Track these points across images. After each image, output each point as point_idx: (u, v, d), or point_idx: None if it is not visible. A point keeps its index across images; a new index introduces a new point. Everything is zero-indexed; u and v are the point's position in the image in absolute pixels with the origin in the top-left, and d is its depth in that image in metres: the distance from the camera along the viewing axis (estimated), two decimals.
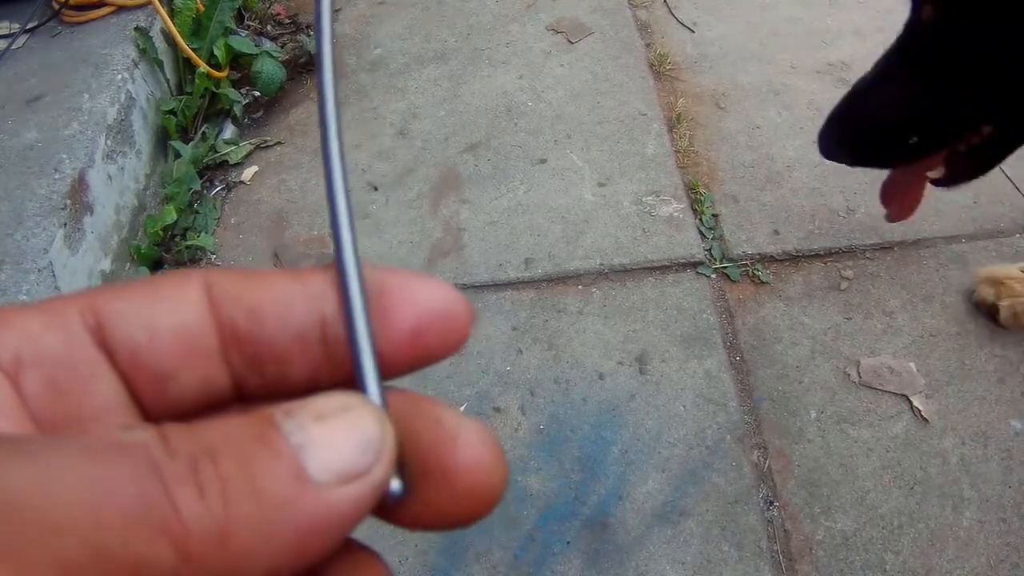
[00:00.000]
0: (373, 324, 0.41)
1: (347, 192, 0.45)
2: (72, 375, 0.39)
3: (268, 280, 0.42)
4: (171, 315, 0.41)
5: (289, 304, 0.42)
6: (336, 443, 0.36)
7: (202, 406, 0.43)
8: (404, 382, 0.42)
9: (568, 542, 2.57)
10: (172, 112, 3.80)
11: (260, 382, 0.43)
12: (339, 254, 0.43)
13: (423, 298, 0.43)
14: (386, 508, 0.39)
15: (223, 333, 0.41)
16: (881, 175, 2.85)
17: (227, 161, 3.87)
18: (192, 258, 3.46)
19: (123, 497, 0.31)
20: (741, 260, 3.30)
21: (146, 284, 0.42)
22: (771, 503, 2.63)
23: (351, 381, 0.41)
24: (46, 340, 0.39)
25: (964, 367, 2.93)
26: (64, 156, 3.14)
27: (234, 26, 4.22)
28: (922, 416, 2.79)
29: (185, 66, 4.00)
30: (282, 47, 4.43)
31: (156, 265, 3.44)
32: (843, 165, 2.79)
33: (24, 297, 2.75)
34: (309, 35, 4.49)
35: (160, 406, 0.41)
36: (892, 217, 2.87)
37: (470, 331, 0.44)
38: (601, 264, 3.30)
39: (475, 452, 0.40)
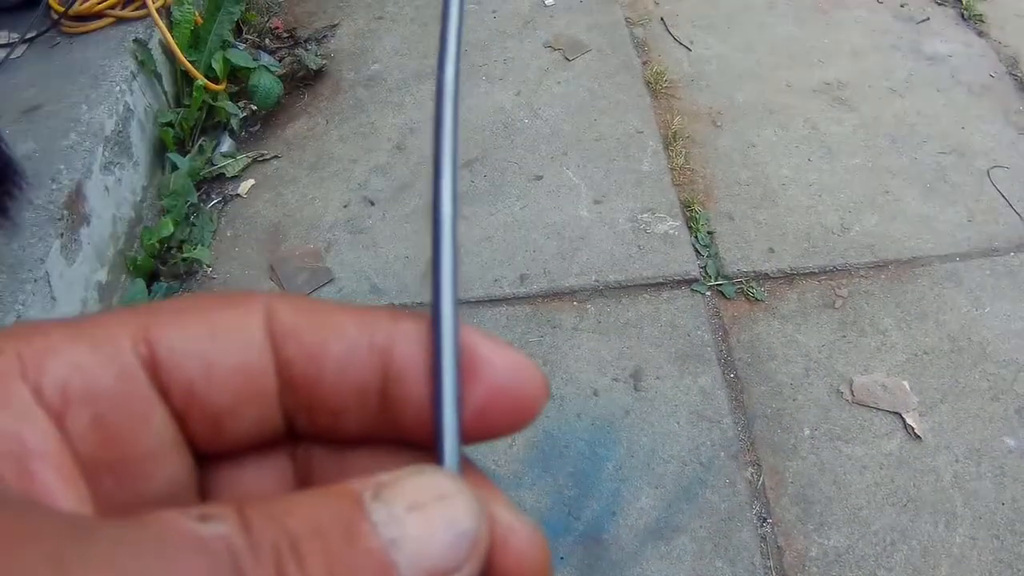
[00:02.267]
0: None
1: (455, 263, 0.42)
2: (123, 414, 0.37)
3: (333, 321, 0.40)
4: (231, 352, 0.39)
5: (352, 354, 0.40)
6: (430, 539, 0.33)
7: (254, 444, 0.41)
8: None
9: (562, 558, 2.57)
10: (170, 124, 3.80)
11: (311, 427, 0.41)
12: (436, 318, 0.40)
13: (501, 372, 0.41)
14: None
15: (281, 374, 0.39)
16: (874, 194, 2.85)
17: (224, 174, 3.87)
18: (188, 271, 3.46)
19: None
20: (736, 278, 3.30)
21: (204, 309, 0.39)
22: (764, 520, 2.63)
23: (408, 438, 0.41)
24: (97, 375, 0.36)
25: (958, 385, 2.94)
26: (62, 167, 3.14)
27: (232, 39, 4.23)
28: (915, 433, 2.80)
29: (183, 79, 4.00)
30: (280, 61, 4.43)
31: (152, 277, 3.44)
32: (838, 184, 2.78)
33: (20, 307, 2.74)
34: (307, 49, 4.50)
35: (212, 444, 0.40)
36: None
37: (541, 408, 0.42)
38: (596, 280, 3.30)
39: (522, 559, 0.38)
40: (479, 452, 2.84)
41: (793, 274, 3.32)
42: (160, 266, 3.47)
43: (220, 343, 0.38)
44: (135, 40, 3.76)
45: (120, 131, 3.47)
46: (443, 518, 0.34)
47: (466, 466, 0.40)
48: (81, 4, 3.78)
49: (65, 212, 3.02)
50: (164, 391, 0.38)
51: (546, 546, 0.40)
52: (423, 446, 0.40)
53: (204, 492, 0.41)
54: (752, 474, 2.74)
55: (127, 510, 0.35)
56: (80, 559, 0.28)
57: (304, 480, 0.43)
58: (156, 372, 0.37)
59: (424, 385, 0.40)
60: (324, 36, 4.71)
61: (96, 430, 0.36)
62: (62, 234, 2.98)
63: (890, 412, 2.87)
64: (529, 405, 0.41)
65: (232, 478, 0.42)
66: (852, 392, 2.93)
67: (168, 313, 0.39)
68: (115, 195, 3.37)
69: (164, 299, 0.41)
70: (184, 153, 3.84)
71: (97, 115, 3.38)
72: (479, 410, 0.40)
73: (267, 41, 4.62)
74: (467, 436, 0.40)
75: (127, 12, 3.86)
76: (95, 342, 0.37)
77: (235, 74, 4.19)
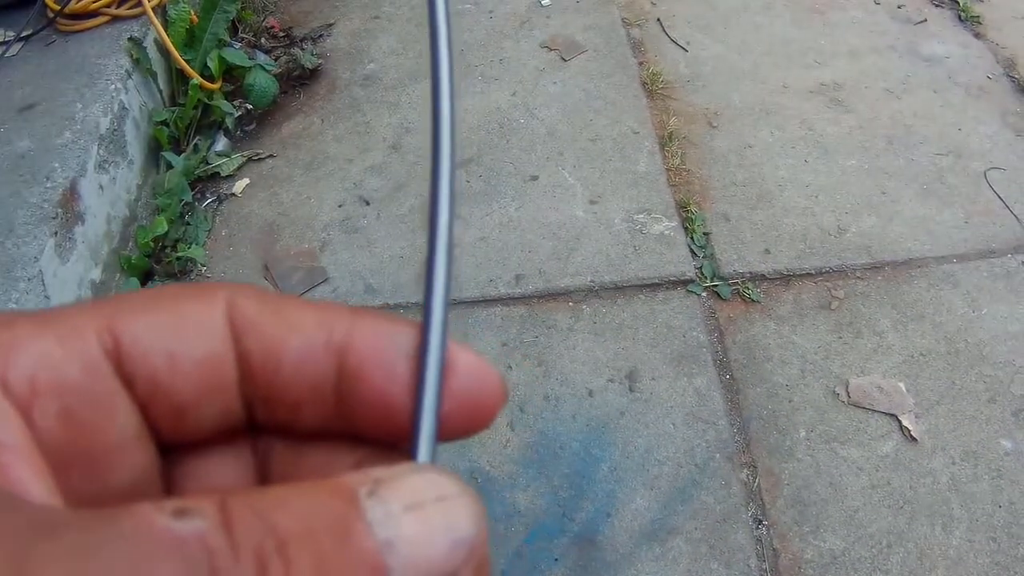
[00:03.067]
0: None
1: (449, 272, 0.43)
2: (89, 406, 0.37)
3: (293, 316, 0.40)
4: (194, 343, 0.39)
5: (309, 349, 0.40)
6: (427, 542, 0.32)
7: (217, 435, 0.41)
8: None
9: (556, 559, 2.57)
10: (165, 123, 3.80)
11: (270, 419, 0.41)
12: (427, 327, 0.40)
13: (463, 376, 0.41)
14: None
15: (240, 366, 0.40)
16: (871, 195, 2.85)
17: (219, 173, 3.86)
18: (183, 269, 3.45)
19: None
20: (732, 278, 3.30)
21: (168, 300, 0.39)
22: (760, 522, 2.62)
23: (362, 433, 0.40)
24: (63, 367, 0.36)
25: (954, 387, 2.94)
26: (56, 165, 3.14)
27: (228, 38, 4.23)
28: (911, 436, 2.79)
29: (178, 77, 4.00)
30: (276, 60, 4.42)
31: (146, 276, 3.43)
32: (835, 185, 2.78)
33: (13, 305, 2.73)
34: (303, 48, 4.49)
35: (176, 435, 0.40)
36: None
37: (499, 411, 0.42)
38: (592, 281, 3.30)
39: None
40: (474, 454, 2.84)
41: (789, 275, 3.31)
42: (154, 265, 3.46)
43: (184, 334, 0.38)
44: (130, 38, 3.76)
45: (115, 129, 3.46)
46: (442, 521, 0.33)
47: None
48: (77, 2, 3.77)
49: (59, 210, 3.02)
50: (128, 382, 0.38)
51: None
52: (376, 441, 0.41)
53: (168, 483, 0.41)
54: (747, 476, 2.73)
55: (95, 503, 0.36)
56: (41, 558, 0.27)
57: (263, 472, 0.43)
58: (121, 363, 0.37)
59: (379, 382, 0.40)
60: (320, 35, 4.71)
61: (63, 423, 0.36)
62: (56, 232, 2.97)
63: (886, 414, 2.87)
64: (488, 408, 0.42)
65: (196, 469, 0.42)
66: (848, 394, 2.92)
67: (133, 304, 0.39)
68: (109, 193, 3.36)
69: (131, 292, 0.40)
70: (179, 152, 3.84)
71: (92, 113, 3.37)
72: (444, 410, 0.40)
73: (263, 40, 4.61)
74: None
75: (123, 10, 3.85)
76: (61, 334, 0.37)
77: (231, 73, 4.18)
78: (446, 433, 0.40)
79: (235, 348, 0.39)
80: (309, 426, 0.41)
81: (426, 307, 0.41)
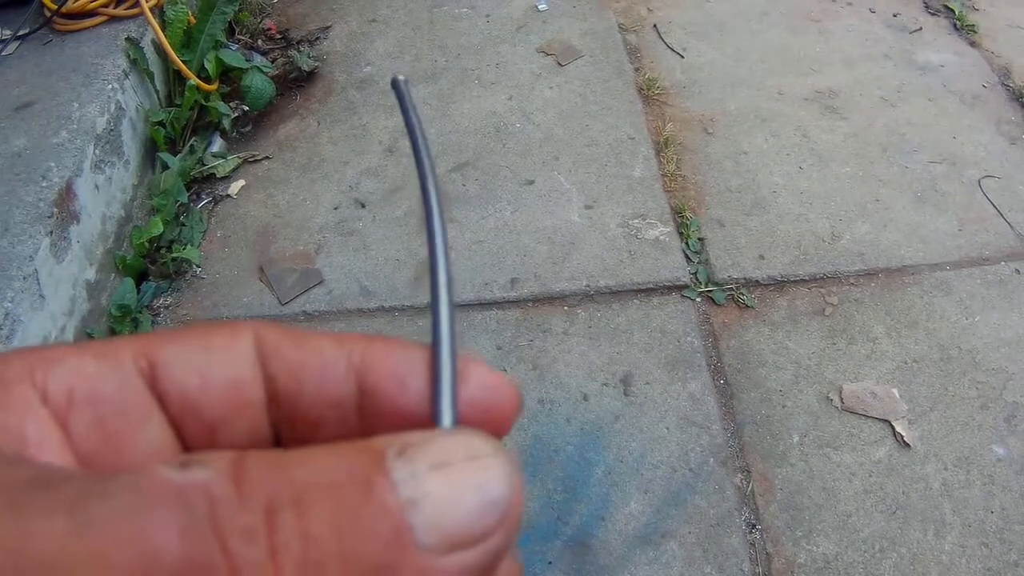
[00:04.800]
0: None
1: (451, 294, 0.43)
2: (122, 418, 0.38)
3: (312, 341, 0.42)
4: (224, 366, 0.40)
5: (328, 369, 0.41)
6: (454, 501, 0.31)
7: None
8: None
9: (550, 562, 2.57)
10: (161, 123, 3.79)
11: (294, 437, 0.42)
12: (436, 344, 0.41)
13: (479, 384, 0.41)
14: None
15: (267, 387, 0.41)
16: (865, 202, 2.85)
17: (214, 174, 3.86)
18: (177, 270, 3.45)
19: (168, 559, 0.28)
20: (726, 284, 3.30)
21: (198, 332, 0.41)
22: (753, 526, 2.63)
23: None
24: (99, 381, 0.38)
25: (947, 393, 2.94)
26: (52, 164, 3.14)
27: (225, 40, 4.22)
28: (904, 441, 2.80)
29: (175, 78, 4.00)
30: (272, 62, 4.43)
31: (141, 277, 3.43)
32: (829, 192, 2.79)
33: (8, 304, 2.73)
34: (300, 51, 4.49)
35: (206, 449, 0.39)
36: None
37: (514, 423, 0.43)
38: (587, 285, 3.30)
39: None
40: None
41: (783, 281, 3.32)
42: (149, 266, 3.46)
43: (214, 358, 0.40)
44: (128, 38, 3.76)
45: (111, 130, 3.46)
46: (472, 480, 0.32)
47: None
48: (74, 2, 3.77)
49: (55, 210, 3.01)
50: (162, 399, 0.39)
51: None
52: None
53: None
54: (741, 480, 2.74)
55: None
56: (41, 505, 0.28)
57: None
58: (155, 382, 0.39)
59: (395, 394, 0.40)
60: (317, 38, 4.71)
61: (97, 431, 0.38)
62: (51, 232, 2.97)
63: (879, 420, 2.88)
64: (504, 416, 0.42)
65: None
66: (842, 399, 2.93)
67: (166, 335, 0.41)
68: (105, 194, 3.36)
69: (164, 328, 0.42)
70: (175, 153, 3.84)
71: (88, 113, 3.37)
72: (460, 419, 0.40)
73: (260, 42, 4.61)
74: None
75: (120, 10, 3.85)
76: (99, 355, 0.39)
77: (227, 74, 4.18)
78: None
79: (262, 371, 0.41)
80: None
81: (434, 312, 0.42)
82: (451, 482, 0.32)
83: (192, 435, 0.40)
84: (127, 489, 0.29)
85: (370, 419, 0.40)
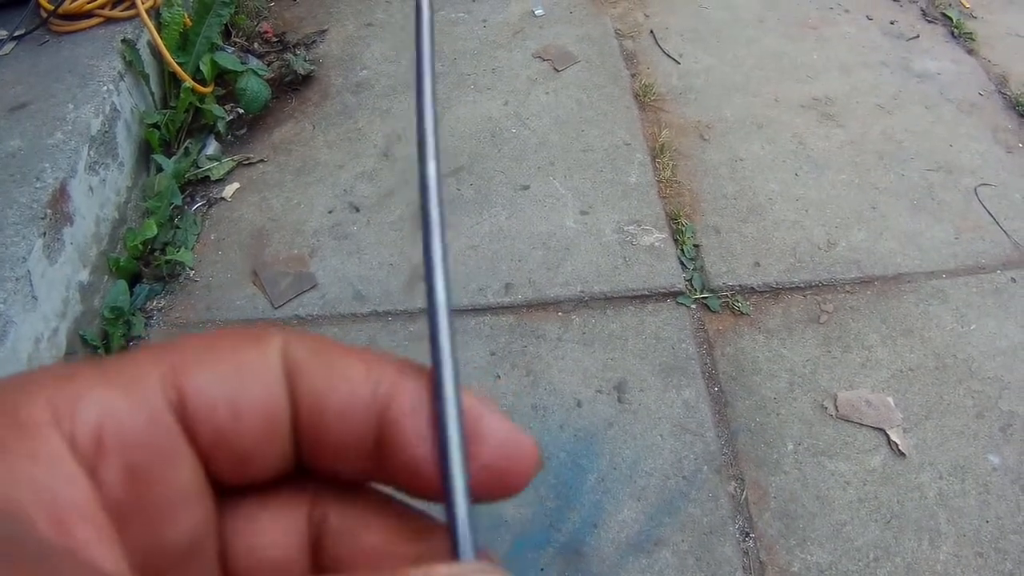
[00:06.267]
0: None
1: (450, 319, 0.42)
2: (153, 460, 0.37)
3: (343, 364, 0.41)
4: (255, 392, 0.39)
5: (354, 400, 0.40)
6: None
7: (271, 480, 0.42)
8: None
9: (542, 569, 2.56)
10: (156, 126, 3.79)
11: (314, 465, 0.42)
12: (441, 399, 0.40)
13: (497, 445, 0.41)
14: None
15: (292, 412, 0.40)
16: (861, 210, 2.85)
17: (209, 177, 3.86)
18: (171, 273, 3.44)
19: None
20: (721, 291, 3.30)
21: (228, 348, 0.40)
22: (747, 534, 2.62)
23: (400, 483, 0.41)
24: (128, 421, 0.37)
25: (942, 402, 2.94)
26: (46, 165, 3.13)
27: (221, 42, 4.22)
28: (899, 450, 2.79)
29: (170, 80, 3.99)
30: (268, 65, 4.42)
31: (135, 279, 3.42)
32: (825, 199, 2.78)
33: (1, 305, 2.73)
34: (296, 54, 4.49)
35: (237, 482, 0.41)
36: None
37: (533, 477, 0.42)
38: (581, 291, 3.29)
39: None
40: None
41: (779, 288, 3.32)
42: (143, 268, 3.45)
43: (245, 382, 0.39)
44: (123, 40, 3.75)
45: (106, 131, 3.45)
46: None
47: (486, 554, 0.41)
48: (70, 3, 3.76)
49: (48, 211, 3.01)
50: (192, 434, 0.39)
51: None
52: (418, 496, 0.41)
53: (222, 539, 0.42)
54: (735, 488, 2.73)
55: (154, 556, 0.37)
56: None
57: (317, 539, 0.43)
58: (185, 415, 0.38)
59: (409, 444, 0.40)
60: (313, 41, 4.71)
61: (127, 479, 0.37)
62: (45, 233, 2.96)
63: (874, 428, 2.87)
64: (521, 475, 0.42)
65: (250, 524, 0.42)
66: (836, 407, 2.92)
67: (195, 351, 0.40)
68: (99, 195, 3.35)
69: (190, 335, 0.40)
70: (169, 155, 3.83)
71: (83, 114, 3.37)
72: (476, 480, 0.40)
73: (256, 45, 4.61)
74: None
75: (116, 12, 3.85)
76: (125, 386, 0.37)
77: (223, 77, 4.18)
78: (479, 497, 0.40)
79: (288, 394, 0.40)
80: (352, 474, 0.42)
81: (437, 381, 0.41)
82: None
83: (222, 468, 0.40)
84: None
85: (388, 453, 0.40)
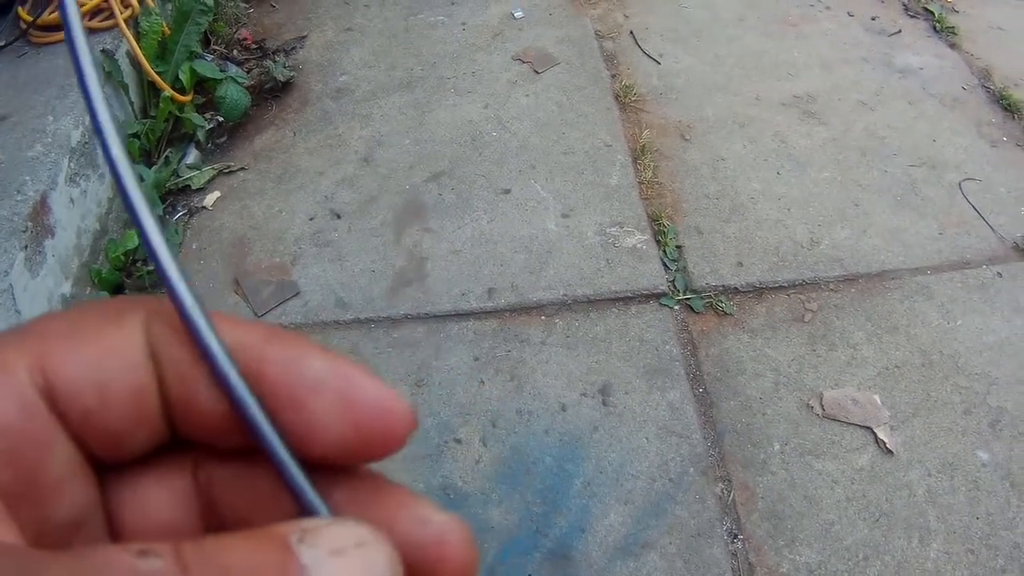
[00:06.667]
0: (320, 420, 0.41)
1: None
2: (28, 446, 0.37)
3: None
4: (119, 374, 0.39)
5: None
6: None
7: (150, 452, 0.42)
8: None
9: (530, 575, 2.55)
10: (136, 135, 3.78)
11: (187, 436, 0.42)
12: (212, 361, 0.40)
13: (362, 400, 0.42)
14: None
15: (159, 387, 0.40)
16: (844, 207, 2.84)
17: (190, 186, 3.84)
18: (153, 283, 3.42)
19: None
20: (705, 291, 3.29)
21: (91, 328, 0.40)
22: (735, 536, 2.61)
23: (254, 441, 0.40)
24: (2, 410, 0.37)
25: (929, 399, 2.93)
26: (27, 178, 3.11)
27: (200, 50, 4.21)
28: (887, 448, 2.78)
29: (150, 89, 3.98)
30: (248, 72, 4.41)
31: (117, 290, 3.40)
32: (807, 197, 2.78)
33: None
34: (275, 61, 4.48)
35: (115, 460, 0.41)
36: None
37: (408, 436, 0.43)
38: (564, 295, 3.28)
39: (463, 555, 0.41)
40: (446, 469, 2.82)
41: (762, 288, 3.31)
42: (125, 279, 3.44)
43: (109, 366, 0.39)
44: (102, 51, 3.74)
45: (86, 142, 3.44)
46: (362, 563, 0.36)
47: (372, 480, 0.43)
48: (49, 14, 3.76)
49: (29, 224, 2.99)
50: (63, 418, 0.38)
51: (472, 539, 0.42)
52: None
53: (109, 511, 0.42)
54: (722, 490, 2.72)
55: (44, 536, 0.38)
56: None
57: (207, 501, 0.44)
58: (54, 400, 0.38)
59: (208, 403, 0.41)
60: (292, 48, 4.69)
61: (7, 464, 0.37)
62: (26, 246, 2.95)
63: (861, 426, 2.86)
64: (393, 438, 0.42)
65: (135, 496, 0.43)
66: (822, 406, 2.91)
67: (57, 333, 0.39)
68: (80, 207, 3.34)
69: (53, 316, 0.39)
70: (150, 165, 3.82)
71: (63, 126, 3.36)
72: (349, 441, 0.41)
73: (235, 52, 4.60)
74: (340, 460, 0.42)
75: (95, 23, 3.84)
76: None
77: (202, 85, 4.17)
78: (356, 457, 0.42)
79: (154, 370, 0.40)
80: (227, 445, 0.42)
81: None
82: (347, 564, 0.36)
83: (97, 447, 0.40)
84: (101, 572, 0.31)
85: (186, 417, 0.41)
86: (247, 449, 0.41)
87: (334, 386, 0.41)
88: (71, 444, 0.39)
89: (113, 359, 0.39)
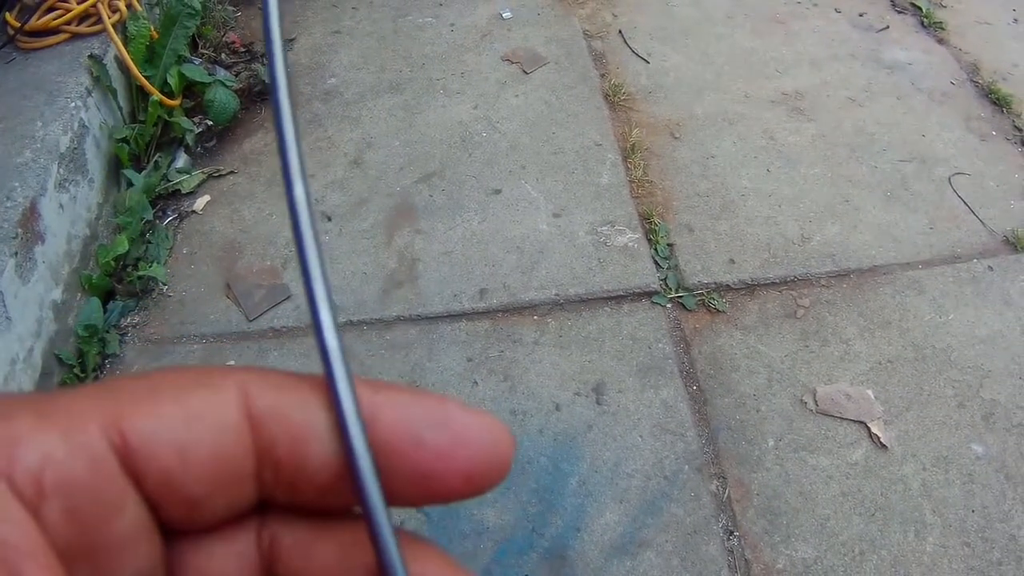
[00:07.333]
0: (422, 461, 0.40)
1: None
2: (96, 504, 0.36)
3: (316, 398, 0.40)
4: (206, 438, 0.38)
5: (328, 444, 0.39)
6: None
7: (226, 521, 0.41)
8: None
9: (526, 575, 2.54)
10: (125, 140, 3.76)
11: (293, 502, 0.41)
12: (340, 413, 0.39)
13: (475, 439, 0.41)
14: None
15: (260, 455, 0.39)
16: (835, 203, 2.84)
17: (179, 190, 3.83)
18: (144, 288, 3.42)
19: None
20: (696, 289, 3.29)
21: (172, 391, 0.38)
22: (731, 532, 2.61)
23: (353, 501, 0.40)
24: (69, 465, 0.35)
25: (923, 393, 2.94)
26: (16, 184, 3.10)
27: (188, 54, 4.19)
28: (881, 442, 2.79)
29: (138, 94, 3.96)
30: (236, 76, 4.40)
31: (108, 296, 3.40)
32: (798, 194, 2.78)
33: None
34: (264, 64, 4.46)
35: (187, 526, 0.40)
36: None
37: (510, 466, 0.42)
38: (556, 294, 3.28)
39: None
40: None
41: (754, 285, 3.31)
42: (116, 284, 3.43)
43: (195, 429, 0.38)
44: (91, 56, 3.73)
45: (75, 148, 3.43)
46: None
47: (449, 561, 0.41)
48: (37, 19, 3.74)
49: (19, 230, 2.98)
50: (138, 479, 0.37)
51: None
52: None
53: (173, 567, 0.40)
54: (717, 487, 2.72)
55: None
56: None
57: (270, 562, 0.42)
58: (129, 460, 0.37)
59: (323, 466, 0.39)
60: None
61: (70, 521, 0.35)
62: (16, 253, 2.94)
63: (855, 421, 2.87)
64: (501, 463, 0.41)
65: (199, 558, 0.41)
66: (816, 402, 2.92)
67: (139, 396, 0.38)
68: (70, 212, 3.33)
69: (132, 377, 0.38)
70: (139, 169, 3.80)
71: (52, 132, 3.34)
72: (456, 479, 0.40)
73: (224, 56, 4.59)
74: (449, 497, 0.40)
75: (83, 28, 3.82)
76: (64, 429, 0.36)
77: (191, 89, 4.15)
78: (462, 493, 0.40)
79: (254, 438, 0.39)
80: (318, 508, 0.41)
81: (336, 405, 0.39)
82: None
83: (171, 513, 0.38)
84: None
85: (296, 479, 0.40)
86: (329, 511, 0.41)
87: (447, 429, 0.40)
88: (142, 506, 0.38)
89: (199, 421, 0.38)
